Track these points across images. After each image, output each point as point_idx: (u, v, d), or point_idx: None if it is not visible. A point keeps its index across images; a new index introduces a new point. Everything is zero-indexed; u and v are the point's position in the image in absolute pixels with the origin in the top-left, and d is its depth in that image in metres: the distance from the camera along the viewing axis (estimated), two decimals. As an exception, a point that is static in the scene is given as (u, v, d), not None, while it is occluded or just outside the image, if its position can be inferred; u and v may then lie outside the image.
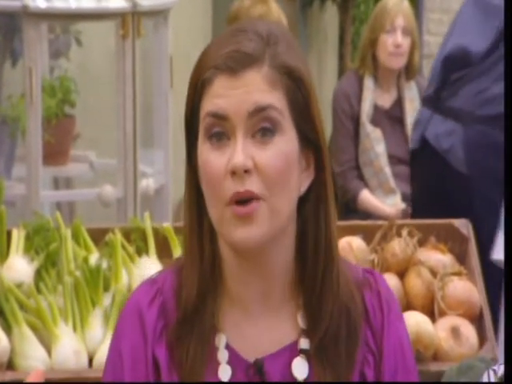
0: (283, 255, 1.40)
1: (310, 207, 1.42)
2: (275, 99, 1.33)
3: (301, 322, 1.42)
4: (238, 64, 1.33)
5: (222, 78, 1.33)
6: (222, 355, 1.42)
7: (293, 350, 1.43)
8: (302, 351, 1.42)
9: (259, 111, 1.32)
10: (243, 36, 1.36)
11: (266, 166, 1.32)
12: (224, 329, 1.43)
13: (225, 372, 1.42)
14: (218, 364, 1.42)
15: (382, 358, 1.45)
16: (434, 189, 3.44)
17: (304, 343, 1.42)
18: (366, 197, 3.90)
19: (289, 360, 1.43)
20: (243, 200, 1.33)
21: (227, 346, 1.42)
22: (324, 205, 1.41)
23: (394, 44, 3.88)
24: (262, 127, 1.32)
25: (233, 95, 1.33)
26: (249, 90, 1.33)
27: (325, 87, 5.93)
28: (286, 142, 1.34)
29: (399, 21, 3.92)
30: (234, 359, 1.42)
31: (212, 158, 1.34)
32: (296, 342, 1.43)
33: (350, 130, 4.00)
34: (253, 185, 1.32)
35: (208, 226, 1.41)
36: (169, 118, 3.79)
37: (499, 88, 3.07)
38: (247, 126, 1.32)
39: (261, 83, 1.33)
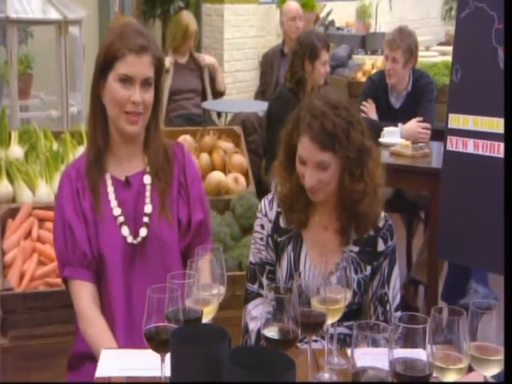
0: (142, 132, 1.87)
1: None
2: (151, 71, 1.80)
3: (147, 161, 1.89)
4: (140, 49, 1.76)
5: (132, 55, 1.75)
6: (109, 181, 1.84)
7: (144, 173, 1.89)
8: (148, 172, 1.88)
9: (147, 78, 1.80)
10: (138, 34, 1.77)
11: (148, 101, 1.80)
12: (109, 169, 1.87)
13: (109, 187, 1.84)
14: (107, 186, 1.84)
15: (186, 176, 1.89)
16: None
17: (148, 169, 1.89)
18: None
19: (142, 177, 1.88)
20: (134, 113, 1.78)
21: (111, 177, 1.86)
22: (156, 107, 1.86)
23: None
24: (146, 83, 1.80)
25: (137, 67, 1.75)
26: (144, 66, 1.77)
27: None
28: (152, 87, 1.82)
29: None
30: (115, 180, 1.85)
31: (121, 91, 1.75)
32: (145, 169, 1.90)
33: None
34: (140, 108, 1.78)
35: (104, 120, 1.80)
36: (83, 74, 4.34)
37: None
38: (141, 82, 1.77)
39: (148, 62, 1.78)
